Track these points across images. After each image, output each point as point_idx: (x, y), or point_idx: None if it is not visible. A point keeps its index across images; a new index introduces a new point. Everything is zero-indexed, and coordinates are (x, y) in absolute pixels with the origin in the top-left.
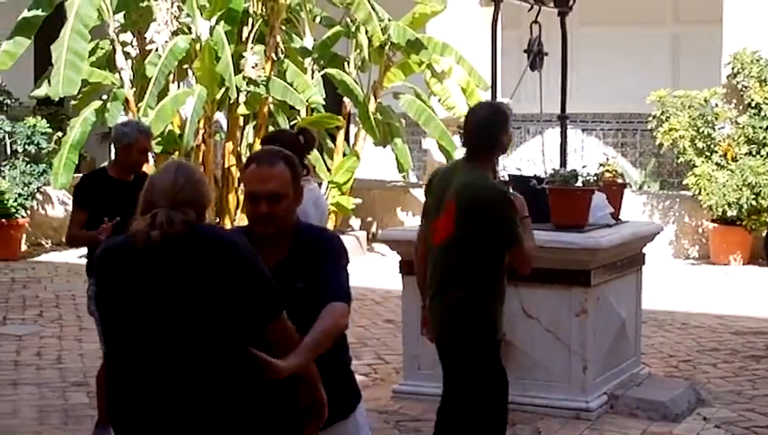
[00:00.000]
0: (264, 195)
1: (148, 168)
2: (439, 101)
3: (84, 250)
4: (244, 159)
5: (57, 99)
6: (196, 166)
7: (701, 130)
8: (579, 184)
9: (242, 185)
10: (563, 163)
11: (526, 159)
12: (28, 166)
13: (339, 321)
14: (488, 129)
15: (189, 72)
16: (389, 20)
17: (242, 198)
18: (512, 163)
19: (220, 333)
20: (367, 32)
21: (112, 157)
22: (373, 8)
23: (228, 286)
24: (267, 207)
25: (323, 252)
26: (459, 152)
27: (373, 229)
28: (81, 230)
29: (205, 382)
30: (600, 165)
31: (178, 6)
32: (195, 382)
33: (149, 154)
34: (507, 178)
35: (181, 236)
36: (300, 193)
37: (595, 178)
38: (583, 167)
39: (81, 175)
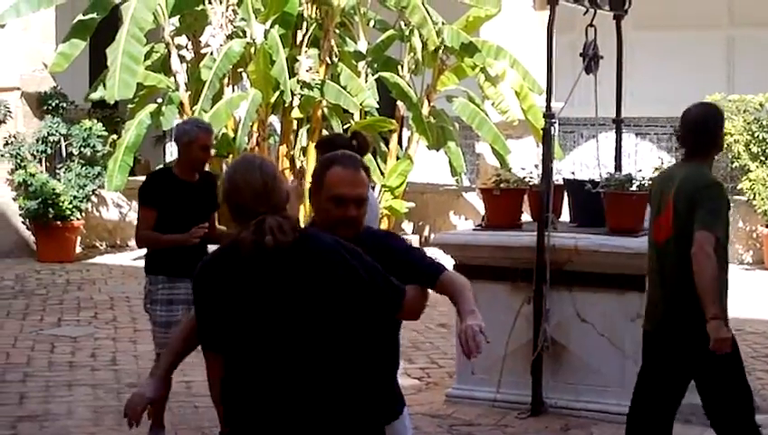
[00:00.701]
0: (354, 198)
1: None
2: (493, 104)
3: (142, 252)
4: (297, 163)
5: (112, 102)
6: (266, 158)
7: (756, 135)
8: (634, 188)
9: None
10: (618, 167)
11: (579, 162)
12: (83, 168)
13: (417, 296)
14: (705, 128)
15: (244, 75)
16: (443, 23)
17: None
18: (566, 167)
19: (330, 340)
20: (421, 35)
21: (173, 157)
22: (427, 12)
23: (343, 291)
24: (356, 210)
25: (388, 248)
26: (512, 156)
27: (426, 233)
28: (151, 231)
29: (314, 386)
30: (655, 169)
31: (233, 10)
32: (305, 386)
33: (211, 151)
34: (562, 182)
35: (293, 242)
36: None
37: (650, 182)
38: (638, 171)
39: (146, 175)
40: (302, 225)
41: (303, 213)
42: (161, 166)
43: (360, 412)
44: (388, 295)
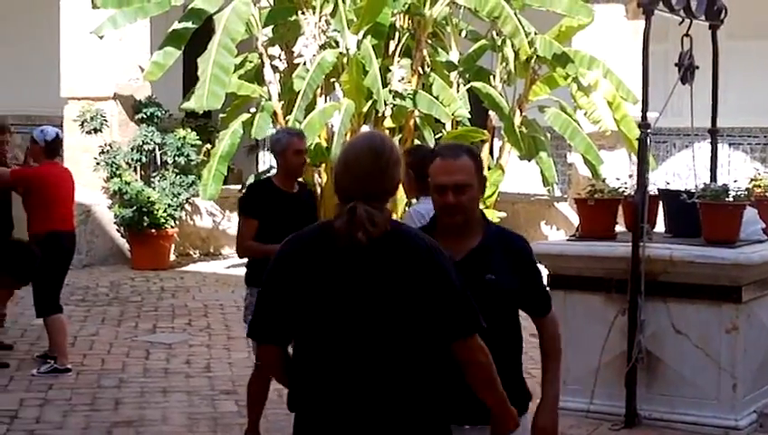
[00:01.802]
0: (452, 185)
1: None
2: (585, 114)
3: (236, 261)
4: None
5: (201, 112)
6: (389, 139)
7: None
8: (730, 199)
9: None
10: (713, 178)
11: (672, 173)
12: (177, 177)
13: (556, 325)
14: None
15: (336, 85)
16: (535, 33)
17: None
18: (659, 177)
19: (409, 338)
20: (513, 45)
21: (266, 166)
22: (520, 22)
23: (424, 293)
24: (455, 197)
25: (520, 254)
26: (604, 167)
27: None
28: (253, 241)
29: (387, 381)
30: (751, 180)
31: (326, 20)
32: (378, 381)
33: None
34: (657, 193)
35: (383, 236)
36: (483, 184)
37: (746, 192)
38: (734, 181)
39: (242, 185)
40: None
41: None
42: (257, 176)
43: (430, 413)
44: (458, 318)
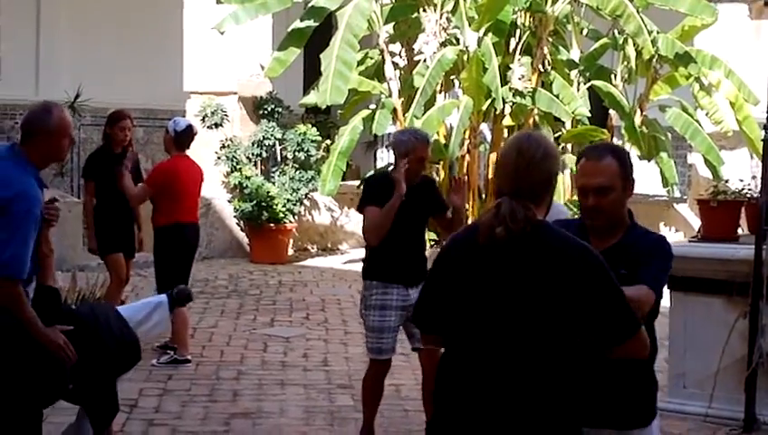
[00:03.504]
0: (592, 188)
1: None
2: (707, 114)
3: (353, 256)
4: None
5: (324, 107)
6: (545, 138)
7: None
8: None
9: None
10: None
11: None
12: (297, 172)
13: (642, 297)
14: None
15: (456, 82)
16: (658, 32)
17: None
18: None
19: (551, 337)
20: (635, 44)
21: (383, 163)
22: (642, 20)
23: (579, 297)
24: (595, 199)
25: (654, 247)
26: (725, 168)
27: None
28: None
29: (525, 380)
30: None
31: (447, 18)
32: (515, 379)
33: (426, 162)
34: None
35: (525, 233)
36: (631, 185)
37: None
38: None
39: (359, 182)
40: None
41: None
42: (372, 172)
43: (566, 414)
44: (618, 323)
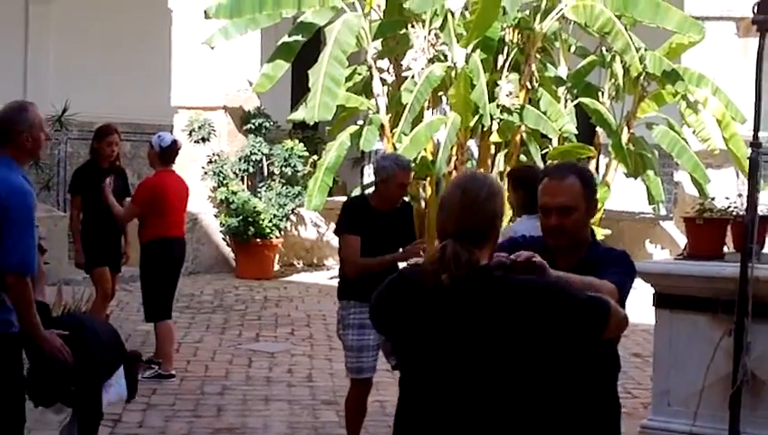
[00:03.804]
0: (555, 207)
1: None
2: (693, 132)
3: (337, 271)
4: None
5: (312, 123)
6: (490, 177)
7: None
8: None
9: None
10: None
11: None
12: (284, 187)
13: (605, 290)
14: None
15: (444, 99)
16: (645, 50)
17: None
18: None
19: (516, 379)
20: (623, 61)
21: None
22: (630, 38)
23: (538, 325)
24: (557, 219)
25: (614, 259)
26: (711, 186)
27: None
28: (360, 257)
29: (482, 422)
30: None
31: (435, 34)
32: (472, 422)
33: (406, 188)
34: (766, 214)
35: (468, 277)
36: (593, 206)
37: None
38: None
39: (344, 200)
40: None
41: None
42: (363, 188)
43: None
44: (589, 317)
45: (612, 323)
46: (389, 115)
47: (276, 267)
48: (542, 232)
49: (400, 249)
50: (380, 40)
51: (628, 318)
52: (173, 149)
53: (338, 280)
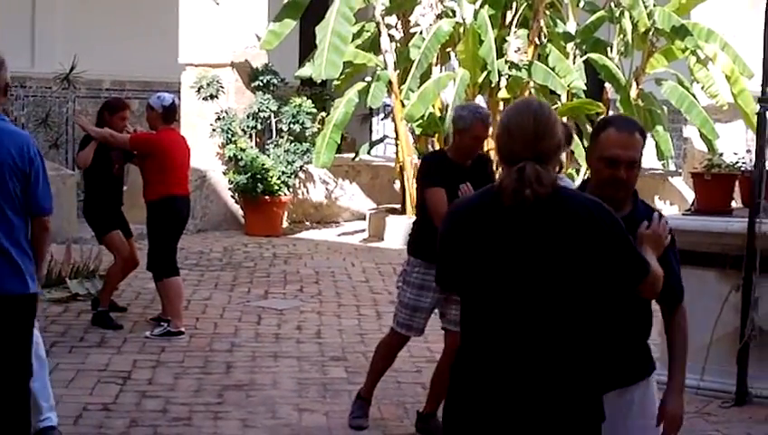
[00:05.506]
0: (626, 160)
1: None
2: (702, 88)
3: (347, 229)
4: None
5: (319, 81)
6: (546, 104)
7: None
8: None
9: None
10: None
11: None
12: (292, 144)
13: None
14: None
15: (452, 55)
16: (654, 5)
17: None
18: None
19: (572, 299)
20: (632, 17)
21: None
22: None
23: (599, 248)
24: (626, 172)
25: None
26: (720, 141)
27: None
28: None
29: (547, 342)
30: None
31: None
32: (538, 341)
33: (483, 142)
34: None
35: (548, 195)
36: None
37: None
38: None
39: (423, 156)
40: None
41: None
42: (371, 144)
43: (585, 380)
44: (633, 268)
45: (647, 284)
46: (397, 71)
47: (285, 224)
48: (600, 183)
49: None
50: None
51: (660, 280)
52: (174, 107)
53: (409, 235)
